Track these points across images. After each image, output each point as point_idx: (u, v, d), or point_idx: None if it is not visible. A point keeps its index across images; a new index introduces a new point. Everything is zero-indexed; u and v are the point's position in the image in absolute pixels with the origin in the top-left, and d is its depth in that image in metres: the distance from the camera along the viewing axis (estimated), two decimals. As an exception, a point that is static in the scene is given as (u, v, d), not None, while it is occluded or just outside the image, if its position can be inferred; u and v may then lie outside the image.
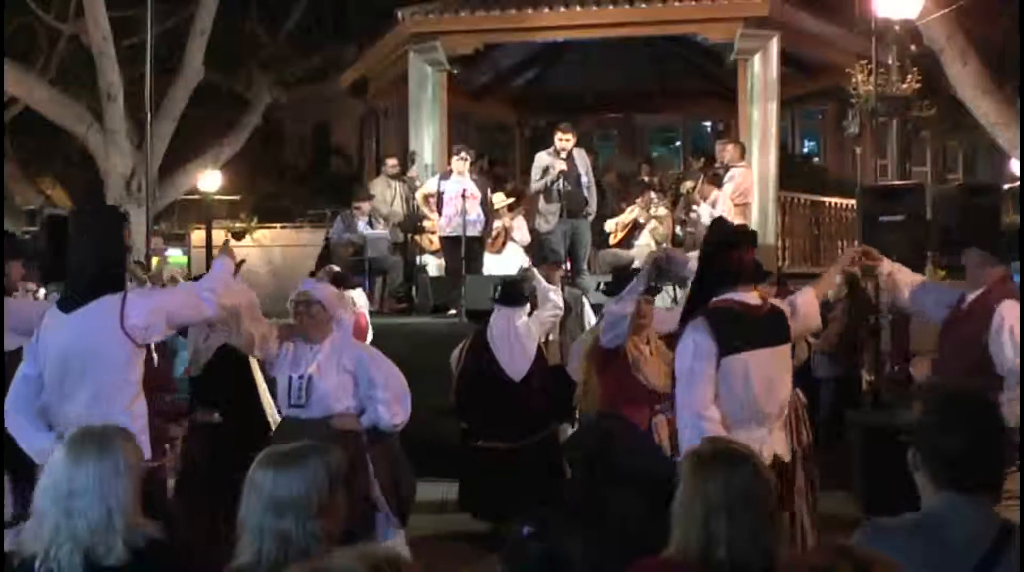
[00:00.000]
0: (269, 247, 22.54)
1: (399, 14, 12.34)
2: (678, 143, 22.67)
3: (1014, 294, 4.59)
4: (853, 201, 10.86)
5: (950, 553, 2.32)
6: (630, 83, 15.76)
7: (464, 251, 9.75)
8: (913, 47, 10.70)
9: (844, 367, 9.41)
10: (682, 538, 2.42)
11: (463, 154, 10.45)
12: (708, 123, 21.57)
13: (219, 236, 21.32)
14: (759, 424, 4.30)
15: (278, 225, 22.94)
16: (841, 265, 5.56)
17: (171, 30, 16.25)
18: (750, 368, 4.24)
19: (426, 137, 12.09)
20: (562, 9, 11.74)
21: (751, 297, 4.40)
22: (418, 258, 11.43)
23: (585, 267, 10.50)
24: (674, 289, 7.12)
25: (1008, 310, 4.49)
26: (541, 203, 10.33)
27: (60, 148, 19.53)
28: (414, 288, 11.25)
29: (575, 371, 6.34)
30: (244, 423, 5.65)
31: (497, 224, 11.05)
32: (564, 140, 10.18)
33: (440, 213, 10.43)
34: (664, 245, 10.94)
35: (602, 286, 9.82)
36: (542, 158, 10.30)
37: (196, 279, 5.69)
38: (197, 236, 22.17)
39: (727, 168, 10.83)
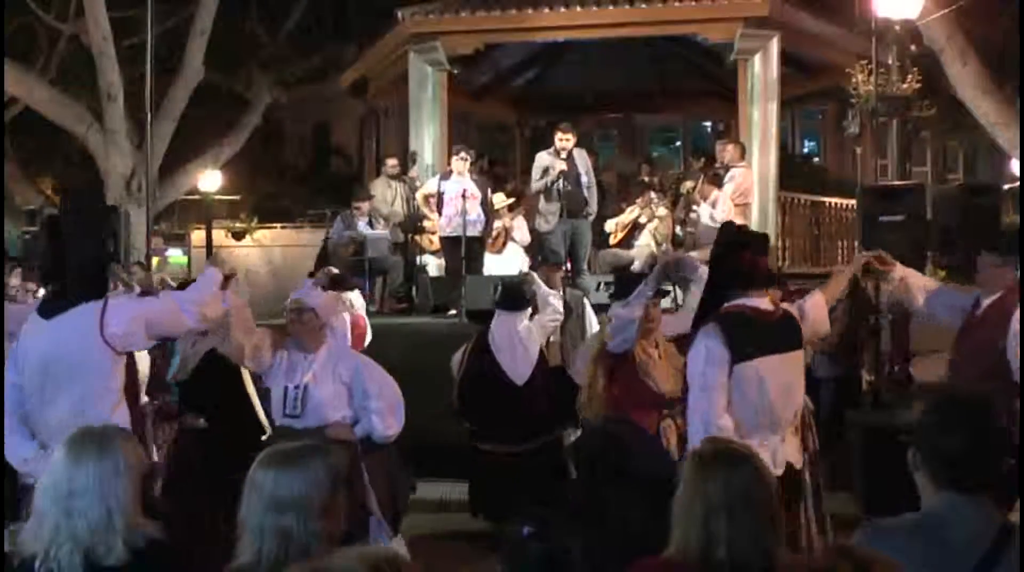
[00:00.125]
0: (269, 247, 22.53)
1: (399, 14, 12.34)
2: (678, 143, 22.67)
3: None
4: (853, 201, 10.85)
5: (950, 553, 2.32)
6: (630, 83, 15.76)
7: (464, 251, 9.75)
8: (913, 47, 10.70)
9: (844, 367, 9.40)
10: (682, 538, 2.42)
11: (463, 154, 10.44)
12: (708, 123, 21.57)
13: (219, 236, 21.37)
14: (773, 431, 4.24)
15: (278, 225, 22.93)
16: (853, 270, 5.41)
17: (171, 30, 16.24)
18: (763, 374, 4.18)
19: (426, 137, 12.09)
20: (562, 9, 11.74)
21: (763, 302, 4.33)
22: (418, 258, 11.43)
23: (585, 267, 10.49)
24: (674, 291, 7.10)
25: None
26: (541, 203, 10.32)
27: (60, 148, 19.53)
28: (414, 288, 11.25)
29: (580, 375, 6.34)
30: (235, 427, 5.61)
31: (497, 224, 11.05)
32: (564, 140, 10.17)
33: (440, 213, 10.42)
34: (664, 245, 10.94)
35: (602, 286, 9.90)
36: (542, 158, 10.30)
37: (185, 285, 5.60)
38: (197, 236, 22.17)
39: (727, 168, 10.83)
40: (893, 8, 9.74)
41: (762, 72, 11.49)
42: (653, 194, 11.36)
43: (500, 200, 11.12)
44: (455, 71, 12.24)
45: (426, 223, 11.14)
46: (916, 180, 11.19)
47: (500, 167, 14.21)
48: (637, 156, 16.54)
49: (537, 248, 11.00)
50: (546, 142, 10.97)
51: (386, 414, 5.11)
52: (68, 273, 4.40)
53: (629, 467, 4.36)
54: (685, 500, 2.45)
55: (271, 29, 20.10)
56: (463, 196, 9.89)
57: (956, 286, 5.74)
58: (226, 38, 17.46)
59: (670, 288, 5.96)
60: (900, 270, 5.09)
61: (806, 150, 24.02)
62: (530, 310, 7.32)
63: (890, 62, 10.06)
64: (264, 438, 5.74)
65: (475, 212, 10.13)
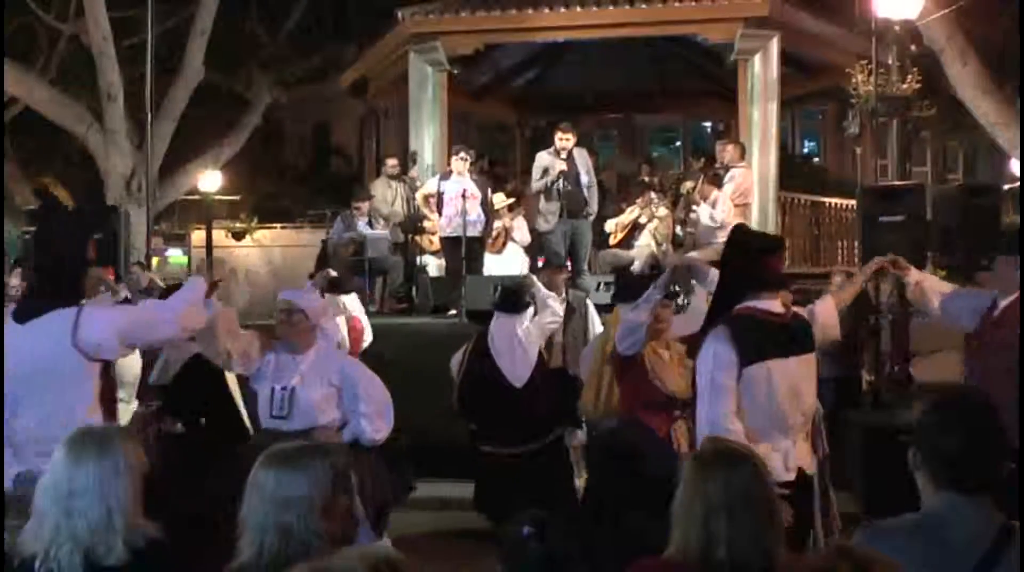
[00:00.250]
0: (269, 247, 22.55)
1: (399, 14, 12.34)
2: (678, 143, 22.67)
3: None
4: (853, 201, 10.85)
5: (950, 553, 2.32)
6: (630, 83, 15.76)
7: (464, 251, 9.75)
8: (913, 47, 10.69)
9: (844, 367, 9.40)
10: (682, 538, 2.42)
11: (463, 154, 10.44)
12: (708, 123, 21.57)
13: (219, 236, 21.38)
14: (783, 435, 4.17)
15: (278, 225, 22.95)
16: (867, 273, 5.34)
17: (171, 30, 16.26)
18: (773, 377, 4.11)
19: (426, 137, 12.10)
20: (562, 9, 11.74)
21: (774, 305, 4.26)
22: (418, 258, 11.43)
23: (586, 267, 10.49)
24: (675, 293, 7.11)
25: None
26: (541, 203, 10.32)
27: (60, 148, 19.53)
28: (414, 288, 11.25)
29: (585, 375, 6.36)
30: (218, 431, 5.58)
31: (497, 224, 11.05)
32: (564, 140, 10.16)
33: (440, 213, 10.42)
34: (664, 246, 10.94)
35: (602, 287, 9.91)
36: (542, 158, 10.29)
37: (170, 290, 5.49)
38: (197, 236, 22.17)
39: (727, 168, 10.83)
40: (893, 8, 9.74)
41: (762, 72, 11.49)
42: (653, 194, 11.36)
43: (500, 200, 11.12)
44: (455, 71, 12.25)
45: (426, 223, 11.14)
46: (916, 180, 11.18)
47: (500, 167, 14.21)
48: (637, 156, 16.54)
49: (537, 248, 11.02)
50: (546, 142, 10.97)
51: (375, 417, 5.05)
52: (40, 277, 4.29)
53: (639, 470, 4.36)
54: (685, 500, 2.45)
55: (271, 29, 20.10)
56: (463, 196, 9.89)
57: (972, 288, 5.71)
58: (226, 38, 17.47)
59: (680, 290, 5.93)
60: (915, 274, 5.04)
61: (806, 150, 24.02)
62: (532, 311, 7.34)
63: (890, 62, 10.05)
64: (249, 442, 5.72)
65: (475, 212, 10.13)
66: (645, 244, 10.98)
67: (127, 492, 2.80)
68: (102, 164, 15.96)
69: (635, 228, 11.18)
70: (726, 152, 11.06)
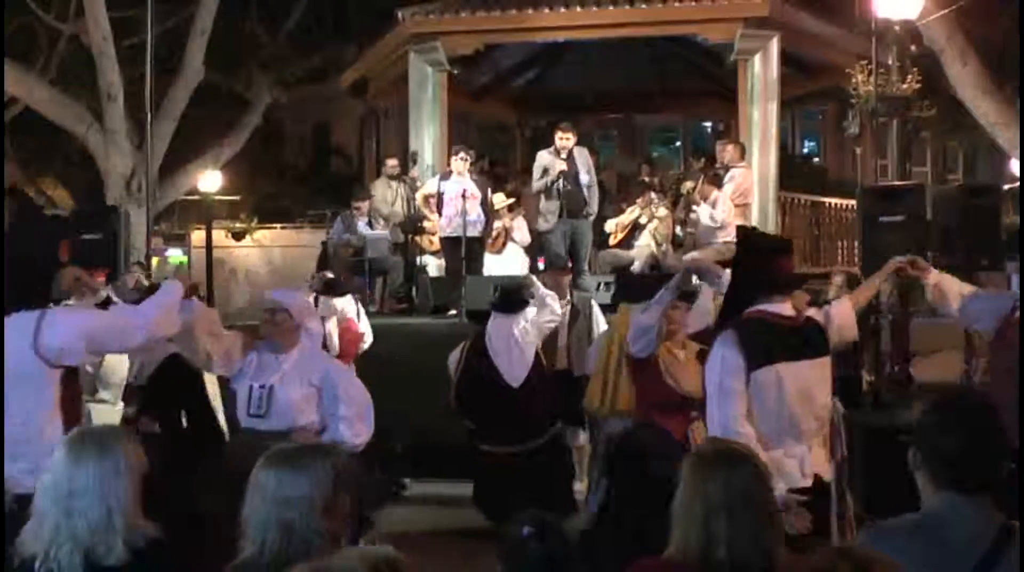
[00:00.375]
0: (269, 247, 22.56)
1: (399, 14, 12.34)
2: (678, 143, 22.67)
3: None
4: (853, 201, 10.85)
5: (950, 553, 2.32)
6: (630, 83, 15.76)
7: (464, 251, 9.75)
8: (913, 47, 10.70)
9: (844, 367, 9.39)
10: (682, 538, 2.42)
11: (463, 154, 10.44)
12: (708, 123, 21.57)
13: (219, 236, 21.39)
14: (796, 440, 4.10)
15: (278, 225, 22.96)
16: (884, 274, 5.17)
17: (171, 30, 16.24)
18: (783, 381, 4.05)
19: (426, 137, 12.10)
20: (562, 9, 11.74)
21: (785, 308, 4.20)
22: (418, 258, 11.43)
23: (586, 268, 10.49)
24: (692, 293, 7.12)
25: None
26: (541, 202, 10.32)
27: (60, 148, 19.53)
28: (414, 288, 11.24)
29: (592, 371, 6.36)
30: (194, 432, 5.56)
31: (497, 224, 11.05)
32: (564, 139, 10.16)
33: (440, 213, 10.42)
34: (664, 246, 10.95)
35: (602, 287, 9.91)
36: (543, 157, 10.30)
37: (151, 290, 5.36)
38: (197, 236, 22.19)
39: (727, 168, 10.84)
40: (893, 8, 9.75)
41: (762, 72, 11.49)
42: (653, 194, 11.36)
43: (500, 200, 11.12)
44: (455, 71, 12.24)
45: (426, 223, 11.14)
46: (916, 180, 11.19)
47: (500, 167, 14.21)
48: (637, 156, 16.54)
49: (537, 248, 11.01)
50: (546, 142, 10.97)
51: (354, 421, 4.92)
52: (8, 279, 4.16)
53: (654, 472, 4.34)
54: (685, 500, 2.45)
55: (271, 29, 20.09)
56: (463, 196, 9.89)
57: (992, 290, 5.66)
58: (226, 38, 17.46)
59: (695, 291, 5.90)
60: (935, 275, 4.94)
61: (806, 150, 24.02)
62: (531, 311, 7.35)
63: (890, 62, 10.06)
64: (226, 441, 5.71)
65: (475, 212, 10.12)
66: (645, 244, 10.98)
67: (127, 492, 2.80)
68: (102, 164, 15.95)
69: (635, 228, 11.18)
70: (726, 152, 11.06)
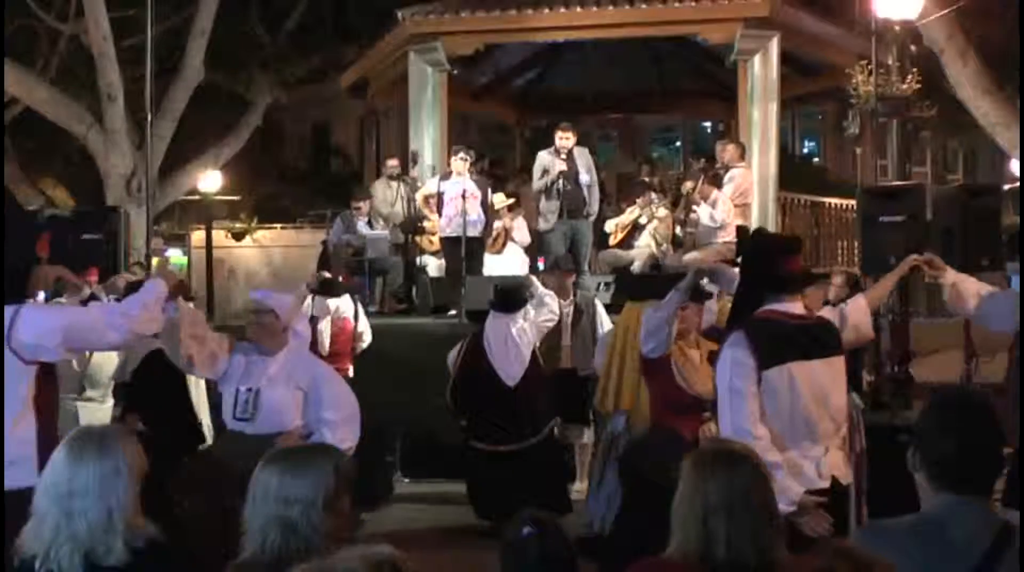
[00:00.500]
0: (269, 248, 22.54)
1: (399, 14, 12.33)
2: (678, 143, 22.71)
3: None
4: (853, 201, 10.84)
5: (950, 553, 2.32)
6: (630, 83, 15.77)
7: (464, 252, 9.75)
8: (913, 47, 10.69)
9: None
10: (682, 538, 2.42)
11: (463, 154, 10.44)
12: (708, 123, 21.60)
13: (219, 236, 21.38)
14: (813, 441, 4.04)
15: (278, 225, 22.93)
16: (900, 273, 5.09)
17: (171, 30, 16.24)
18: (795, 381, 3.99)
19: (426, 137, 12.10)
20: (562, 9, 11.74)
21: (795, 307, 4.15)
22: (418, 259, 11.43)
23: (586, 268, 10.49)
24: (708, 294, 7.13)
25: None
26: (541, 202, 10.32)
27: (60, 148, 19.52)
28: (414, 289, 11.25)
29: (599, 367, 6.39)
30: (173, 431, 5.53)
31: (497, 225, 11.05)
32: (564, 139, 10.17)
33: (440, 214, 10.42)
34: (664, 246, 10.94)
35: (602, 287, 9.91)
36: (543, 158, 10.30)
37: (135, 288, 5.26)
38: (197, 236, 22.17)
39: (727, 168, 10.83)
40: (893, 8, 9.74)
41: (762, 72, 11.49)
42: (653, 194, 11.36)
43: (500, 200, 11.12)
44: (455, 71, 12.25)
45: (426, 224, 11.14)
46: (916, 180, 11.17)
47: (500, 167, 14.21)
48: (637, 156, 16.57)
49: (537, 248, 11.02)
50: (546, 142, 10.98)
51: (340, 425, 4.82)
52: None
53: (662, 477, 4.32)
54: (685, 500, 2.45)
55: (271, 29, 20.09)
56: (463, 196, 9.89)
57: (1010, 290, 5.63)
58: (226, 38, 17.45)
59: (711, 292, 5.88)
60: (952, 275, 4.87)
61: (806, 150, 24.05)
62: (531, 311, 7.36)
63: (890, 62, 10.05)
64: (207, 444, 5.68)
65: (475, 212, 10.12)
66: (645, 244, 10.97)
67: (127, 492, 2.79)
68: (102, 164, 15.95)
69: (635, 228, 11.17)
70: (726, 152, 11.06)
